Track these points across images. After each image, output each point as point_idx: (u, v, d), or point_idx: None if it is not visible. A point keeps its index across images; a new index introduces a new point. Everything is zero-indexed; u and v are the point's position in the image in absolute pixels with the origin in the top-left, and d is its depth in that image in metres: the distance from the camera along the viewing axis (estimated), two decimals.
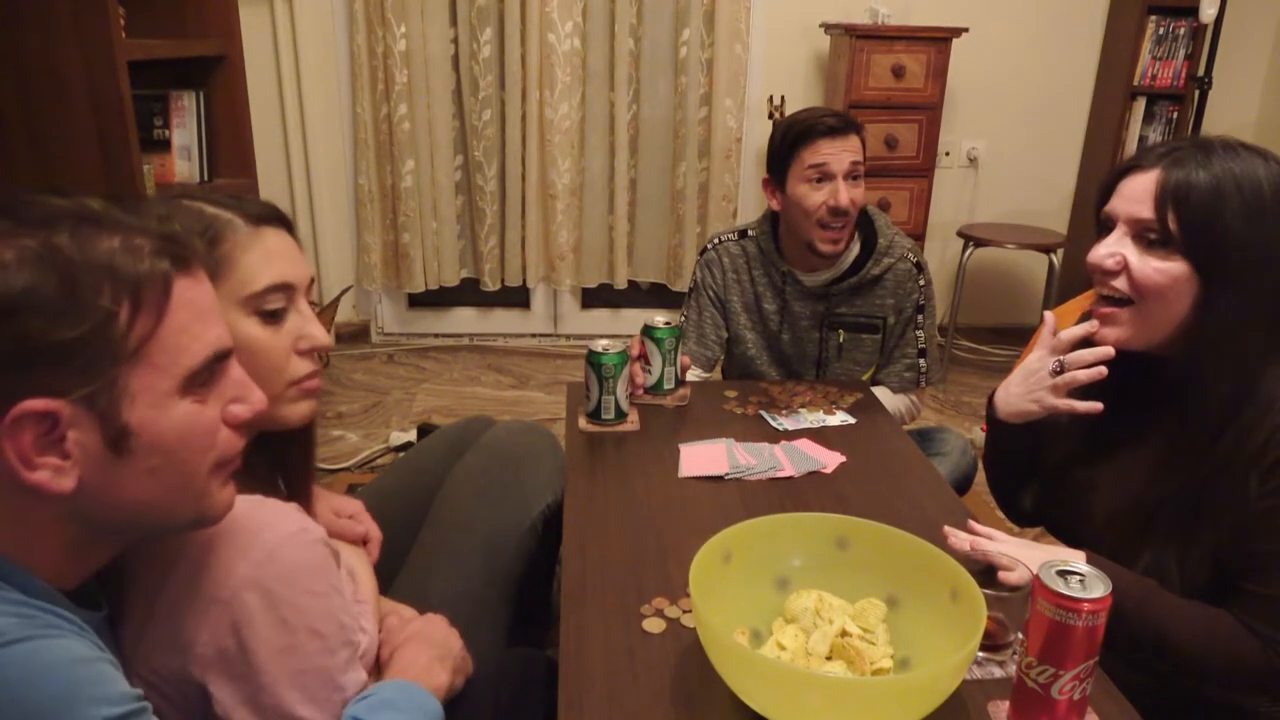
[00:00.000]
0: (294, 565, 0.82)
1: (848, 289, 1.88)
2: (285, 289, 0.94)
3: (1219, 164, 1.04)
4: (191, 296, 0.70)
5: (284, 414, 0.97)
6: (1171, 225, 1.05)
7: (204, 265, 0.72)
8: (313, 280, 1.00)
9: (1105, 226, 1.13)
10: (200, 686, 0.80)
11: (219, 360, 0.72)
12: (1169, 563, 1.09)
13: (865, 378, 1.95)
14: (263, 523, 0.83)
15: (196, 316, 0.70)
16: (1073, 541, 1.21)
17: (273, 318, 0.94)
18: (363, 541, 1.18)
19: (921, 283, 1.89)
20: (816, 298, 1.90)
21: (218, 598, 0.78)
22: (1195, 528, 1.08)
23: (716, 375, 2.09)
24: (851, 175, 1.76)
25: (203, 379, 0.71)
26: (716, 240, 1.98)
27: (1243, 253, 1.03)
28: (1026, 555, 1.08)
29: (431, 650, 1.01)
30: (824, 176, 1.76)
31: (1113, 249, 1.10)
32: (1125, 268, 1.09)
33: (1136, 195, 1.08)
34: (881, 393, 1.84)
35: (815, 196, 1.77)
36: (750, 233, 1.96)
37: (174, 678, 0.80)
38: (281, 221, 0.97)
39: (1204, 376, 1.06)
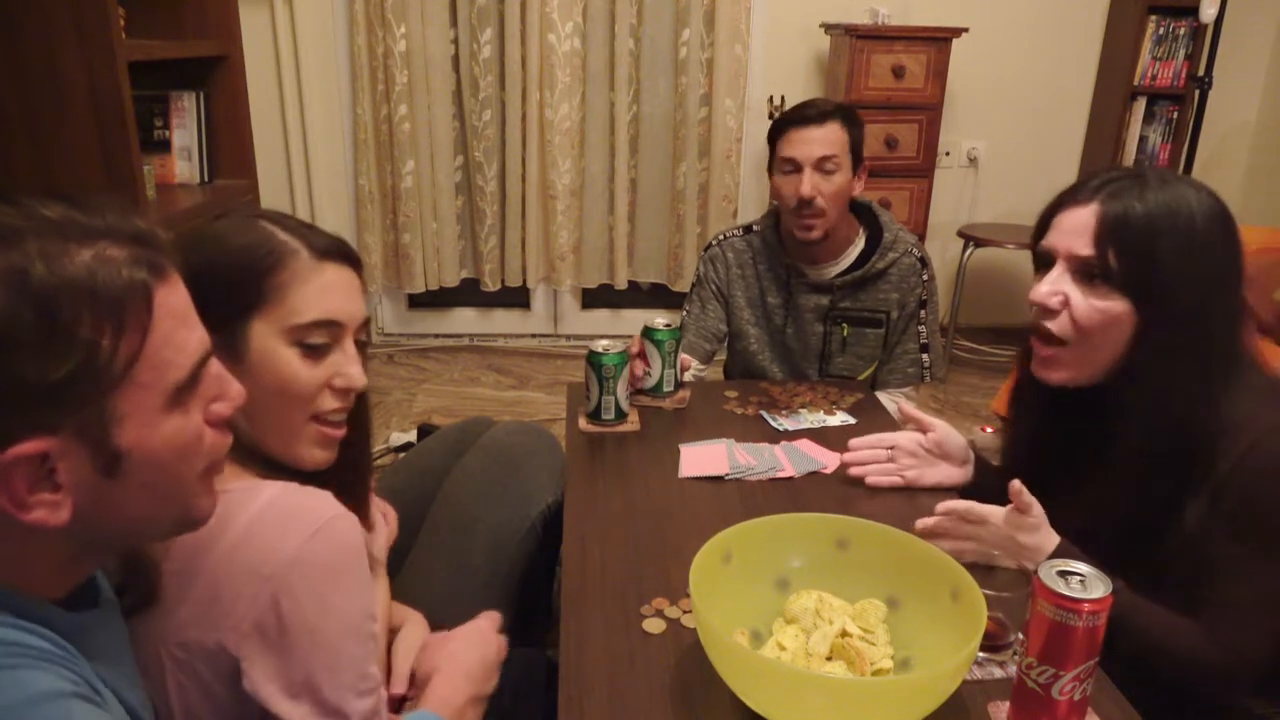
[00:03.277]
0: (337, 547, 0.84)
1: (852, 283, 1.89)
2: (332, 326, 0.93)
3: (1153, 195, 1.05)
4: (171, 304, 0.67)
5: (300, 454, 0.95)
6: (1111, 260, 1.05)
7: (172, 260, 0.68)
8: (367, 320, 0.98)
9: (1043, 261, 1.13)
10: (233, 662, 0.81)
11: (202, 364, 0.70)
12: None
13: (868, 373, 1.96)
14: (305, 505, 0.84)
15: (178, 324, 0.67)
16: None
17: (313, 351, 0.92)
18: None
19: (925, 277, 1.90)
20: (821, 291, 1.91)
21: (260, 573, 0.80)
22: (1140, 553, 1.08)
23: (717, 374, 2.09)
24: (821, 168, 1.77)
25: (189, 388, 0.68)
26: (721, 236, 2.00)
27: (1177, 285, 1.04)
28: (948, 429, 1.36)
29: (470, 688, 0.99)
30: (794, 168, 1.79)
31: (1055, 286, 1.09)
32: (1067, 306, 1.09)
33: (1075, 229, 1.08)
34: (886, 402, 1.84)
35: (787, 187, 1.80)
36: (755, 228, 1.97)
37: (206, 653, 0.81)
38: (347, 258, 0.96)
39: (1139, 407, 1.07)
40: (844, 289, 1.90)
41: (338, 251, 0.95)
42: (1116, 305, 1.06)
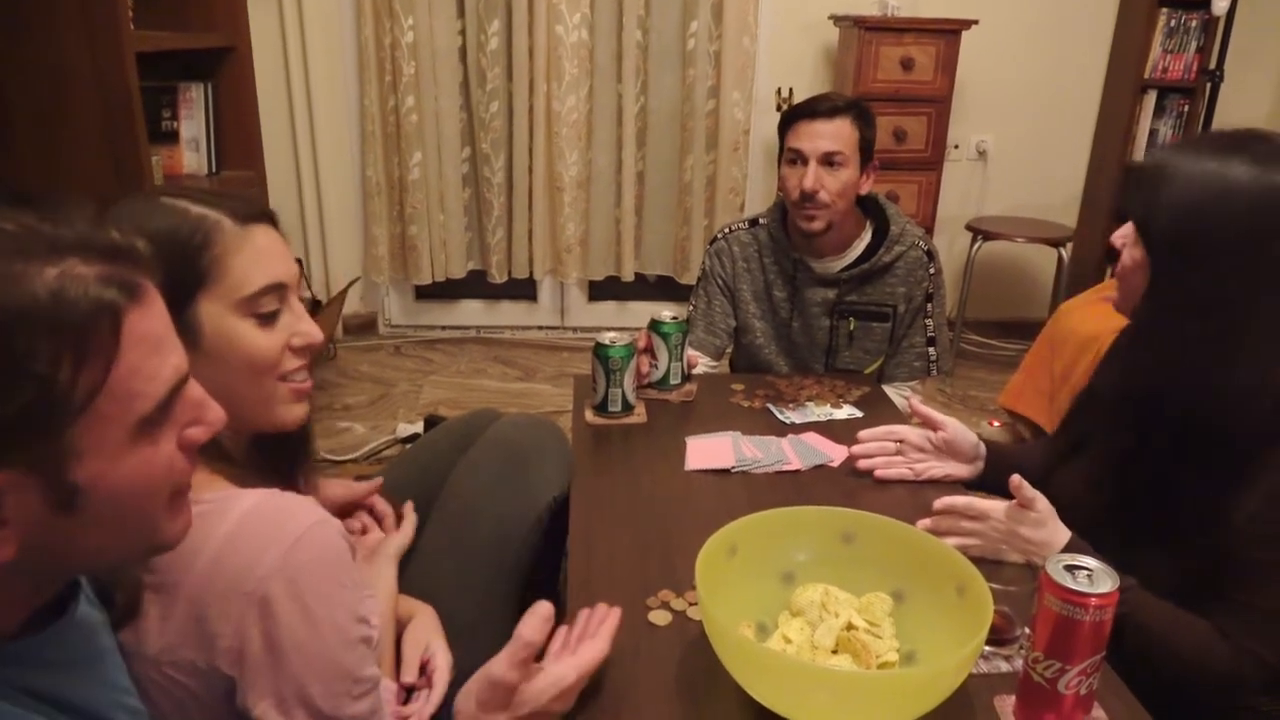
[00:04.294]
0: (318, 555, 0.82)
1: (858, 276, 1.88)
2: (278, 289, 0.93)
3: (1196, 159, 1.02)
4: (143, 330, 0.59)
5: (279, 417, 0.96)
6: (1132, 203, 1.08)
7: (151, 276, 0.61)
8: (301, 274, 0.99)
9: None
10: (227, 679, 0.80)
11: (175, 392, 0.63)
12: (1133, 564, 1.06)
13: (874, 367, 1.96)
14: (285, 513, 0.83)
15: (150, 352, 0.60)
16: None
17: (268, 319, 0.92)
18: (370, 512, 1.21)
19: (932, 271, 1.90)
20: (827, 285, 1.91)
21: (242, 589, 0.79)
22: (1164, 530, 1.06)
23: (724, 367, 2.09)
24: (827, 162, 1.77)
25: (159, 418, 0.61)
26: (727, 230, 1.99)
27: (1188, 243, 1.02)
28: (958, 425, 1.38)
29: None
30: (798, 159, 1.79)
31: (1126, 230, 1.12)
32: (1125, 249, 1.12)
33: None
34: (893, 396, 1.84)
35: (791, 179, 1.81)
36: (761, 221, 1.96)
37: (200, 673, 0.80)
38: (267, 218, 0.95)
39: (1137, 362, 1.08)
40: (850, 282, 1.89)
41: (259, 213, 0.94)
42: (1138, 253, 1.08)
